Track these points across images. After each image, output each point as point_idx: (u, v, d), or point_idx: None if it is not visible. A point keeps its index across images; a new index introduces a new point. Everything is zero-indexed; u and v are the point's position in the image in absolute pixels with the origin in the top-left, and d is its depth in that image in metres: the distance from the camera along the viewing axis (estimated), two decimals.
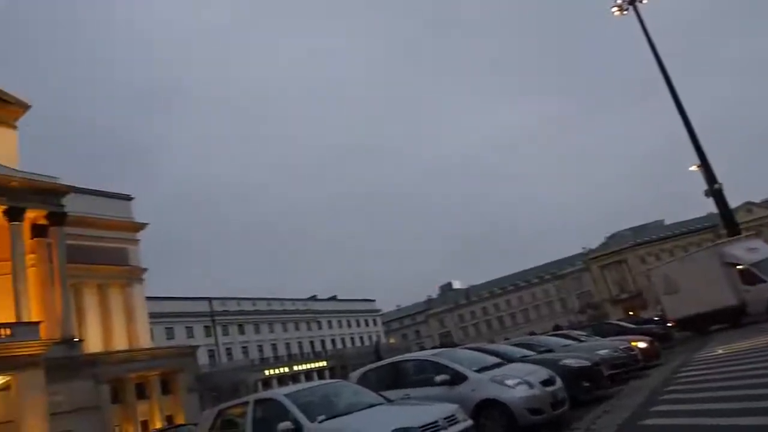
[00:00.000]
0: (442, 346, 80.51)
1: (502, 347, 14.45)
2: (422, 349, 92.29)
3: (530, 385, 9.33)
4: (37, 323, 28.46)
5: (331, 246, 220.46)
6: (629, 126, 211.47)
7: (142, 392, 36.03)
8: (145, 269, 41.18)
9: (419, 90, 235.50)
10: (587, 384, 11.31)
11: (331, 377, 66.83)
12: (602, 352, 13.75)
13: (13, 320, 28.31)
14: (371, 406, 8.09)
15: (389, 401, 8.48)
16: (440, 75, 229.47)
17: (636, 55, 75.12)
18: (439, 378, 9.75)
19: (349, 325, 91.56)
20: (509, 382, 9.38)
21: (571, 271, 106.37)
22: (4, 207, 30.37)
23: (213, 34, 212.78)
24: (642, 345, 16.29)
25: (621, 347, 14.74)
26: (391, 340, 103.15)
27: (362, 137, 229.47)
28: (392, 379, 10.85)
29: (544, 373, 10.02)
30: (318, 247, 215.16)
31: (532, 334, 53.60)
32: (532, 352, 13.58)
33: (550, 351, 14.15)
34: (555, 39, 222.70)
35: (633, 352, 14.92)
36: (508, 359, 11.62)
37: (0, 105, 36.43)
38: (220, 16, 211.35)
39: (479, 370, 9.97)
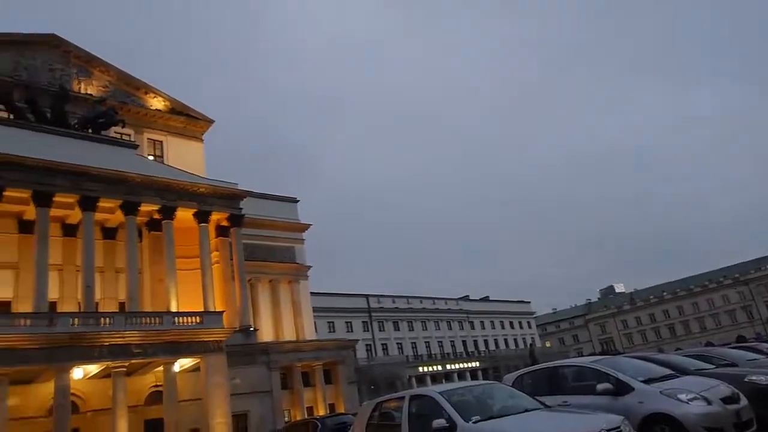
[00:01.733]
0: (602, 353, 75.73)
1: (674, 358, 13.26)
2: (580, 354, 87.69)
3: (708, 401, 8.48)
4: (220, 313, 32.11)
5: (485, 246, 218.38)
6: None
7: (307, 380, 38.82)
8: (309, 267, 44.34)
9: (579, 84, 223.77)
10: None
11: (484, 378, 66.20)
12: None
13: (201, 310, 32.30)
14: (527, 410, 7.95)
15: (546, 407, 8.27)
16: (605, 67, 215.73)
17: None
18: (600, 387, 9.25)
19: (502, 327, 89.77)
20: (683, 396, 8.61)
21: (758, 276, 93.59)
22: (194, 210, 34.72)
23: (370, 42, 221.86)
24: None
25: None
26: (547, 344, 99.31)
27: (518, 134, 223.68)
28: (549, 384, 10.52)
29: (725, 389, 9.05)
30: (472, 246, 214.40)
31: (709, 345, 48.18)
32: (709, 365, 12.29)
33: (732, 365, 12.67)
34: (731, 18, 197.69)
35: None
36: (681, 371, 10.66)
37: (189, 121, 41.88)
38: (379, 23, 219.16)
39: (646, 381, 9.29)
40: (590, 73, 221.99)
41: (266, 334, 38.79)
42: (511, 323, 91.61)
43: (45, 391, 26.77)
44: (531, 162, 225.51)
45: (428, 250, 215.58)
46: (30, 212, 30.10)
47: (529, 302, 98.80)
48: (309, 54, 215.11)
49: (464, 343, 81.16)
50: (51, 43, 36.55)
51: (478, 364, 76.35)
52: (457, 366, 73.53)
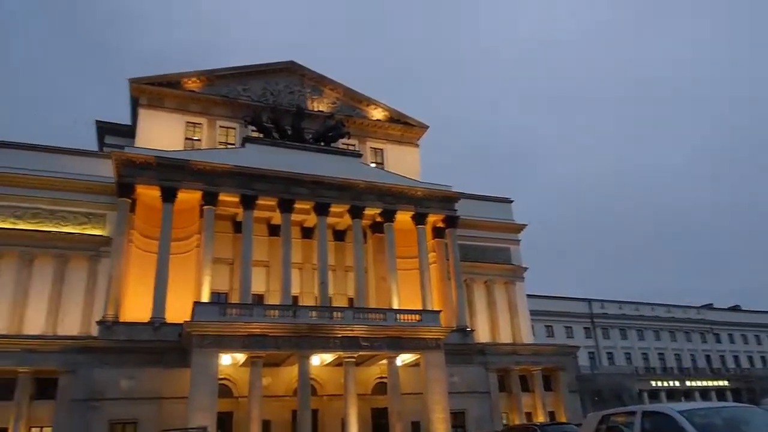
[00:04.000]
0: None
1: None
2: None
3: None
4: (437, 312, 33.16)
5: (735, 247, 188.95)
6: None
7: (525, 385, 37.88)
8: (525, 268, 43.31)
9: None
10: None
11: (734, 400, 57.50)
12: None
13: (419, 308, 33.73)
14: None
15: None
16: None
17: None
18: None
19: (758, 342, 76.96)
20: None
21: None
22: (412, 213, 36.54)
23: (594, 35, 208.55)
24: None
25: None
26: None
27: None
28: None
29: None
30: (718, 249, 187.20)
31: None
32: None
33: None
34: None
35: None
36: None
37: (406, 129, 44.20)
38: (603, 14, 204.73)
39: None
40: None
41: (482, 335, 38.90)
42: None
43: (290, 374, 30.62)
44: None
45: (663, 253, 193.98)
46: (276, 218, 34.81)
47: None
48: (541, 50, 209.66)
49: (707, 357, 71.53)
50: (290, 69, 41.91)
51: (726, 383, 66.72)
52: (699, 383, 65.29)
